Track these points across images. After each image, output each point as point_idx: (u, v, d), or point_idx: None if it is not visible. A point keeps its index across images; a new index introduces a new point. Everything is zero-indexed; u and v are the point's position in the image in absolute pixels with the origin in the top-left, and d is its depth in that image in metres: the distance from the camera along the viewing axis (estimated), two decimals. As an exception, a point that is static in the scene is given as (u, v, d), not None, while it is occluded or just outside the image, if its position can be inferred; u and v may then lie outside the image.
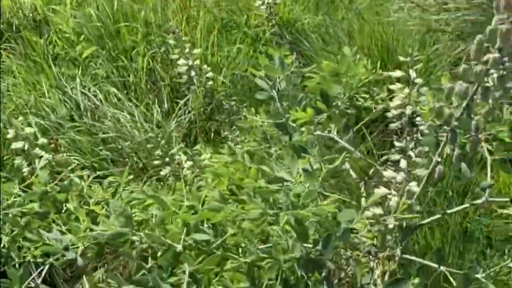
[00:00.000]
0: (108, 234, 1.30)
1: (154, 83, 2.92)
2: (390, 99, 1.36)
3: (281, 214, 1.09)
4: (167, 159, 1.71)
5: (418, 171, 1.11)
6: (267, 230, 1.16)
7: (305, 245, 1.12)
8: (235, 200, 1.26)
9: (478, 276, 1.17)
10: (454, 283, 1.19)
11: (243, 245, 1.24)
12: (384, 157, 1.18)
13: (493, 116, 1.36)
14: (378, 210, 1.10)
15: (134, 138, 2.19)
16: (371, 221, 1.11)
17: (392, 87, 1.28)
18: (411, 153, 1.11)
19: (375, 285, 1.16)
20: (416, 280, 1.20)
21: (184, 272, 1.33)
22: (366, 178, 1.28)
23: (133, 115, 2.33)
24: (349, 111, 1.58)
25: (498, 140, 1.53)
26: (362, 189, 1.25)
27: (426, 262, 1.27)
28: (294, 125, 1.60)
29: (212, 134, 2.57)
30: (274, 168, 1.18)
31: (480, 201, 1.37)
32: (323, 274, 1.14)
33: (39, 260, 1.47)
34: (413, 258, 1.27)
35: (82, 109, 2.41)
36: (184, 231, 1.29)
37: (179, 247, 1.27)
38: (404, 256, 1.27)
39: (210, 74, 1.69)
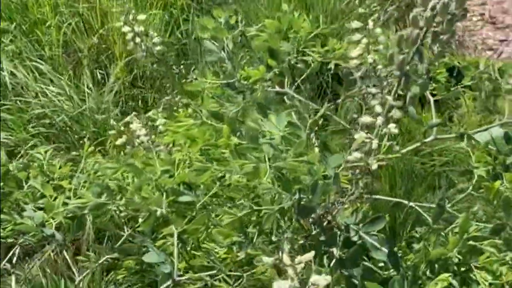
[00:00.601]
0: (90, 205, 1.29)
1: (69, 55, 2.85)
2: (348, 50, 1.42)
3: (273, 165, 1.12)
4: (122, 128, 1.70)
5: (394, 112, 1.18)
6: (255, 185, 1.19)
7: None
8: (213, 159, 1.28)
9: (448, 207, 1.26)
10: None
11: (228, 204, 1.26)
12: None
13: (443, 58, 1.46)
14: (359, 154, 1.16)
15: (68, 110, 2.14)
16: (352, 165, 1.17)
17: (352, 37, 1.34)
18: (388, 97, 1.17)
19: (357, 224, 1.23)
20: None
21: (165, 236, 1.35)
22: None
23: (62, 89, 2.27)
24: (299, 65, 1.63)
25: (437, 82, 1.64)
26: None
27: (395, 199, 1.35)
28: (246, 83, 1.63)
29: (140, 102, 2.56)
30: (258, 123, 1.21)
31: (430, 139, 1.47)
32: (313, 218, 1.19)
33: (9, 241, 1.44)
34: (383, 197, 1.36)
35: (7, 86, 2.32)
36: (164, 196, 1.31)
37: (163, 211, 1.28)
38: (375, 196, 1.35)
39: (156, 40, 1.68)
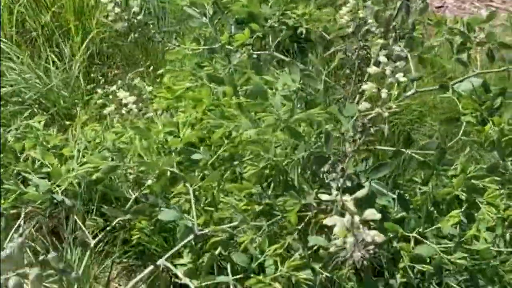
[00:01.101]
0: (103, 168, 1.29)
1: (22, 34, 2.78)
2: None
3: (296, 117, 1.16)
4: (110, 97, 1.68)
5: (399, 63, 1.23)
6: (269, 139, 1.22)
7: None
8: (223, 117, 1.30)
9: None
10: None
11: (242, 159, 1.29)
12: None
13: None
14: (369, 104, 1.21)
15: (38, 87, 2.09)
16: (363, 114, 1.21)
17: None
18: (395, 47, 1.22)
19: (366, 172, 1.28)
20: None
21: (176, 195, 1.36)
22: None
23: (28, 67, 2.22)
24: (282, 27, 1.66)
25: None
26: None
27: (394, 148, 1.41)
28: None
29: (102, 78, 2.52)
30: (274, 76, 1.24)
31: (411, 92, 1.53)
32: (326, 168, 1.23)
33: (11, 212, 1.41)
34: (385, 148, 1.42)
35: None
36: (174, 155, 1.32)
37: (175, 170, 1.29)
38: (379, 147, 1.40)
39: (136, 9, 1.66)
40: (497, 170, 1.30)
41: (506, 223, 1.26)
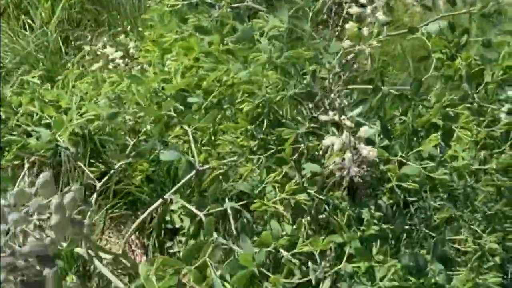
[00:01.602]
0: (106, 114, 1.35)
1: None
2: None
3: (285, 54, 1.24)
4: (98, 53, 1.73)
5: (377, 3, 1.32)
6: (261, 80, 1.31)
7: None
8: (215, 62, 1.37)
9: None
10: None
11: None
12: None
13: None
14: (350, 42, 1.31)
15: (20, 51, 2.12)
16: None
17: None
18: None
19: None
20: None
21: (174, 139, 1.44)
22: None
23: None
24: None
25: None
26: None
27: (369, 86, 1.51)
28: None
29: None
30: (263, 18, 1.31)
31: (382, 36, 1.63)
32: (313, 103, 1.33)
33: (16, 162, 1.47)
34: (361, 86, 1.51)
35: None
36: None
37: (172, 114, 1.37)
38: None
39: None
40: (467, 99, 1.42)
41: (479, 146, 1.38)
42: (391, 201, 1.30)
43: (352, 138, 1.00)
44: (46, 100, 1.50)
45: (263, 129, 1.33)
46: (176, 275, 1.06)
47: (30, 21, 2.51)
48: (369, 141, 1.09)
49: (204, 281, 1.07)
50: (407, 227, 1.23)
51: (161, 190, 1.93)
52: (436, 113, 1.35)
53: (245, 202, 1.23)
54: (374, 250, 1.18)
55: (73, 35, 2.53)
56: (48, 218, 0.88)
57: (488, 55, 1.46)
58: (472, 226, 1.25)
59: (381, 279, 1.14)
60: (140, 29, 1.94)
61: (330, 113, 1.04)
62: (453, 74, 1.48)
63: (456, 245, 1.24)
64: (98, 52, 1.71)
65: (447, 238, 1.24)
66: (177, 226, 1.82)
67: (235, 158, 1.29)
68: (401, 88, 1.45)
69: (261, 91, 1.28)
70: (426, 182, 1.24)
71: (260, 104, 1.31)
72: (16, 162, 1.46)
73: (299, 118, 1.26)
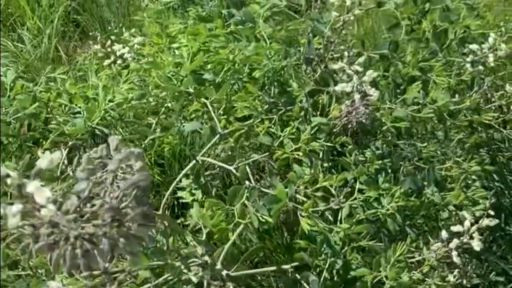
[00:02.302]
0: (136, 95, 1.55)
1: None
2: None
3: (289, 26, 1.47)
4: (109, 50, 1.91)
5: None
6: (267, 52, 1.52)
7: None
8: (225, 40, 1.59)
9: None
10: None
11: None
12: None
13: None
14: (337, 13, 1.54)
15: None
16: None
17: None
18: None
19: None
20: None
21: (193, 113, 1.64)
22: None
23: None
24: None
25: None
26: None
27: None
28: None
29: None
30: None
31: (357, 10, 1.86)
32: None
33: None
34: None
35: None
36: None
37: (191, 90, 1.57)
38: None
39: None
40: (437, 54, 1.67)
41: (451, 91, 1.62)
42: (385, 144, 1.52)
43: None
44: (73, 93, 1.68)
45: (272, 94, 1.55)
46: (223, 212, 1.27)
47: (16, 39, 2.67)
48: (372, 84, 1.32)
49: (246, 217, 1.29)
50: (401, 162, 1.45)
51: (169, 172, 2.12)
52: (414, 67, 1.59)
53: (267, 153, 1.44)
54: (380, 181, 1.40)
55: (67, 43, 2.70)
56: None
57: (450, 17, 1.70)
58: (455, 158, 1.49)
59: (388, 203, 1.37)
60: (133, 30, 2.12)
61: (340, 62, 1.26)
62: (421, 36, 1.72)
63: (443, 172, 1.47)
64: (108, 50, 1.89)
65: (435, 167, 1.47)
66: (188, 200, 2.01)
67: (251, 121, 1.50)
68: (380, 52, 1.69)
69: (267, 61, 1.49)
70: (413, 124, 1.48)
71: (268, 72, 1.52)
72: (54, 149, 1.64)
73: (303, 80, 1.48)
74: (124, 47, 1.92)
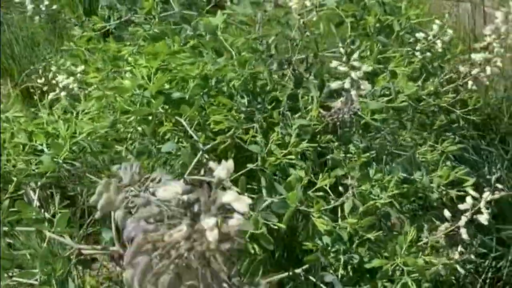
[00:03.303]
0: (107, 122, 1.48)
1: None
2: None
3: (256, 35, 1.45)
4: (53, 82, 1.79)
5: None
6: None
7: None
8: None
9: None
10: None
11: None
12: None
13: None
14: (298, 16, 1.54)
15: None
16: None
17: None
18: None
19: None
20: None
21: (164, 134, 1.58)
22: None
23: None
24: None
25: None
26: None
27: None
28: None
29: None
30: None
31: None
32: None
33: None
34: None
35: None
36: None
37: (162, 111, 1.52)
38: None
39: None
40: (388, 46, 1.72)
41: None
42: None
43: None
44: (31, 130, 1.57)
45: (245, 103, 1.53)
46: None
47: None
48: (365, 77, 1.33)
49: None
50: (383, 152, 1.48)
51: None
52: (374, 61, 1.62)
53: (258, 163, 1.42)
54: (371, 173, 1.42)
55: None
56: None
57: (393, 10, 1.76)
58: (427, 141, 1.54)
59: (385, 193, 1.39)
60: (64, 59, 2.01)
61: (337, 61, 1.27)
62: (368, 31, 1.77)
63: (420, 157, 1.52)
64: (53, 81, 1.79)
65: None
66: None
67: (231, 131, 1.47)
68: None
69: (244, 68, 1.47)
70: (388, 113, 1.51)
71: (239, 81, 1.50)
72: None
73: (282, 83, 1.48)
74: (68, 77, 1.83)
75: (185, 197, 0.54)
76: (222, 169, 0.56)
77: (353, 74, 1.25)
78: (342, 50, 1.34)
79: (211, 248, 0.51)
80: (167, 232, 0.56)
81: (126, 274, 0.94)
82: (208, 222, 0.51)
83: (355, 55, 1.27)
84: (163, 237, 0.68)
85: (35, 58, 2.52)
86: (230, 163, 0.58)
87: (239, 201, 0.51)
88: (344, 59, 1.29)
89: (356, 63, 1.25)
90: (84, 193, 1.70)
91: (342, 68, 1.28)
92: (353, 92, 1.26)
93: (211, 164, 0.57)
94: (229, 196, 0.52)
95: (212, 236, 0.50)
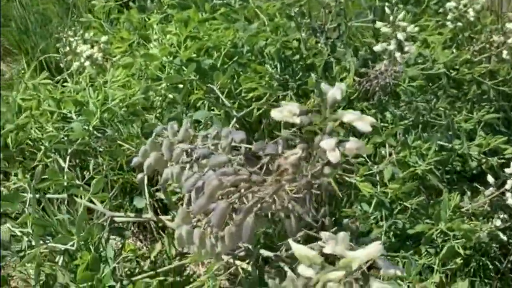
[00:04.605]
0: (141, 89, 1.44)
1: None
2: None
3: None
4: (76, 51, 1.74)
5: None
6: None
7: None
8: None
9: None
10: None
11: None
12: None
13: None
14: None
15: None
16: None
17: None
18: None
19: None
20: None
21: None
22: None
23: None
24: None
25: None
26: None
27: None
28: None
29: None
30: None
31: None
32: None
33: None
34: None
35: None
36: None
37: (194, 77, 1.48)
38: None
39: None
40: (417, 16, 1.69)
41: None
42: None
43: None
44: (59, 98, 1.53)
45: (280, 70, 1.50)
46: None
47: None
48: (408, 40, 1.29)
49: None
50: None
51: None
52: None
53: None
54: (410, 140, 1.39)
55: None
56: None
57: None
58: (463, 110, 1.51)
59: (425, 160, 1.36)
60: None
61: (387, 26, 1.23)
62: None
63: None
64: (78, 50, 1.74)
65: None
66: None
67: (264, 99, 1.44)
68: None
69: (277, 35, 1.44)
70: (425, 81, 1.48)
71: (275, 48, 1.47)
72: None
73: (316, 51, 1.44)
74: (92, 47, 1.79)
75: (298, 119, 0.51)
76: (336, 89, 0.53)
77: (399, 35, 1.22)
78: (387, 10, 1.30)
79: (325, 173, 0.48)
80: (283, 155, 0.53)
81: (177, 231, 0.91)
82: (328, 142, 0.47)
83: (401, 16, 1.24)
84: (249, 177, 0.65)
85: (48, 33, 2.47)
86: (342, 84, 0.55)
87: (363, 120, 0.48)
88: (390, 19, 1.25)
89: (402, 23, 1.22)
90: (106, 165, 1.66)
91: (387, 29, 1.25)
92: (397, 54, 1.23)
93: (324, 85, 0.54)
94: (351, 115, 0.48)
95: (333, 156, 0.47)
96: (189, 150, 0.96)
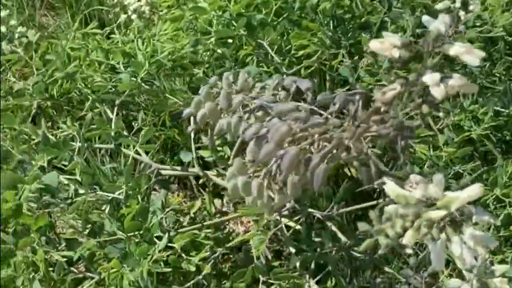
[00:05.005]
0: (191, 42, 1.41)
1: None
2: None
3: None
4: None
5: None
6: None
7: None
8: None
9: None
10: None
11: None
12: None
13: None
14: None
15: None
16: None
17: None
18: None
19: None
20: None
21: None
22: None
23: None
24: None
25: None
26: None
27: None
28: None
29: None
30: None
31: None
32: None
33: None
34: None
35: None
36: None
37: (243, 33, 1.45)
38: None
39: None
40: None
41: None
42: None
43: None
44: (108, 49, 1.51)
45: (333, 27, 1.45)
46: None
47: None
48: None
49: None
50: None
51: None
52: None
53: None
54: (466, 104, 1.35)
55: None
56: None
57: None
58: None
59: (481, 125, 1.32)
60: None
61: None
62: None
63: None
64: (125, 3, 1.72)
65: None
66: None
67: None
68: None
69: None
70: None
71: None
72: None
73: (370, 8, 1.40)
74: (139, 0, 1.76)
75: (398, 53, 0.48)
76: (440, 22, 0.50)
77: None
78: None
79: (424, 112, 0.45)
80: (380, 90, 0.50)
81: (232, 181, 0.89)
82: (433, 76, 0.44)
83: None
84: (326, 121, 0.62)
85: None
86: (446, 16, 0.51)
87: (471, 53, 0.44)
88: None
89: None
90: (148, 120, 1.65)
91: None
92: (461, 13, 1.17)
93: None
94: (458, 48, 0.45)
95: (438, 91, 0.44)
96: (248, 99, 0.93)
